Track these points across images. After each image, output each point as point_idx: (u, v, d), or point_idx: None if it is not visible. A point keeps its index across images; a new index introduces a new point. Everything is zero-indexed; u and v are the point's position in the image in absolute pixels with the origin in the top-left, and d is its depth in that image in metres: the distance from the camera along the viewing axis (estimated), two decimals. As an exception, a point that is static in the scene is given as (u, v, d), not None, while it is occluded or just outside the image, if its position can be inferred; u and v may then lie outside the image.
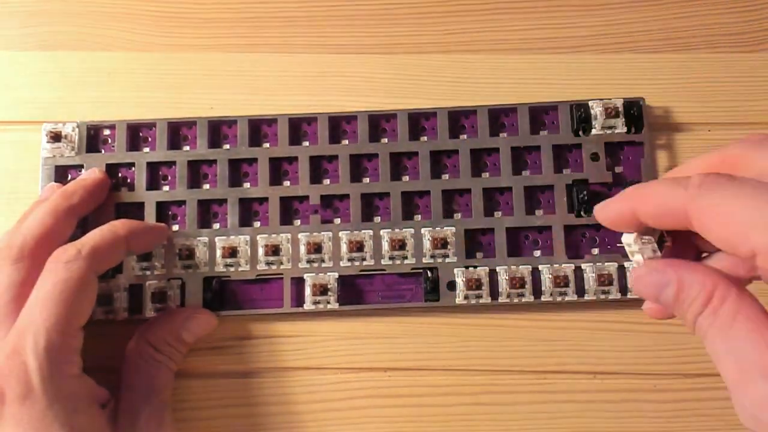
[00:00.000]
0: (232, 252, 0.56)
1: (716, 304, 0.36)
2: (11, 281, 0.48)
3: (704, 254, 0.41)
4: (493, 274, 0.56)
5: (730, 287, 0.36)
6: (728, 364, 0.35)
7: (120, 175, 0.58)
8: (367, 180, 0.58)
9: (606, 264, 0.55)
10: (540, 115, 0.59)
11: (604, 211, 0.42)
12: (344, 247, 0.56)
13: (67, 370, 0.46)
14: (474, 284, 0.55)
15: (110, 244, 0.50)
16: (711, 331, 0.36)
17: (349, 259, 0.56)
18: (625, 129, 0.57)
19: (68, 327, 0.46)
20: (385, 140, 0.58)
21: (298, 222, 0.57)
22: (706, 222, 0.36)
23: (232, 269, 0.56)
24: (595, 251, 0.56)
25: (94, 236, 0.50)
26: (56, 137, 0.57)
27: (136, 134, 0.59)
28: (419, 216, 0.57)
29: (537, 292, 0.56)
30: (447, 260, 0.56)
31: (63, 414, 0.44)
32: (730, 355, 0.35)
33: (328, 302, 0.55)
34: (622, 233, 0.41)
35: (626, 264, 0.55)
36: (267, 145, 0.58)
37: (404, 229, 0.56)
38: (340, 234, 0.56)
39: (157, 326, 0.54)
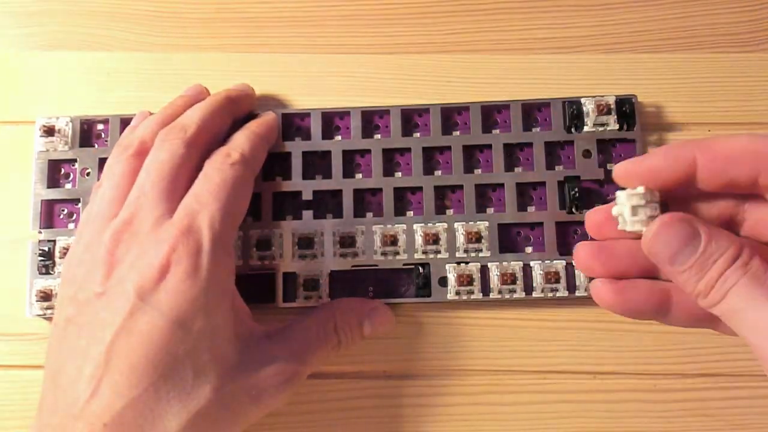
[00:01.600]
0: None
1: (746, 258, 0.37)
2: (183, 161, 0.49)
3: None
4: (484, 270, 0.55)
5: (755, 246, 0.38)
6: (763, 311, 0.35)
7: (113, 169, 0.58)
8: (359, 176, 0.58)
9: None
10: (532, 111, 0.59)
11: (646, 161, 0.43)
12: (336, 243, 0.56)
13: (228, 264, 0.48)
14: (465, 280, 0.55)
15: (261, 148, 0.54)
16: (742, 281, 0.36)
17: (340, 255, 0.56)
18: (617, 126, 0.57)
19: (233, 221, 0.49)
20: (378, 136, 0.58)
21: (290, 217, 0.57)
22: (710, 150, 0.39)
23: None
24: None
25: (249, 142, 0.53)
26: (49, 131, 0.58)
27: (130, 129, 0.59)
28: (411, 212, 0.57)
29: (528, 288, 0.55)
30: (439, 256, 0.56)
31: (212, 305, 0.45)
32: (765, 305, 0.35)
33: (320, 297, 0.55)
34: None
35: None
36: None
37: (396, 225, 0.56)
38: (333, 229, 0.56)
39: (347, 307, 0.55)
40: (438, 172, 0.58)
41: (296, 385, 0.50)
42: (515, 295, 0.55)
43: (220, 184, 0.48)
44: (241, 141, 0.53)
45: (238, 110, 0.57)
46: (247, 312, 0.51)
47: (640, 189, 0.41)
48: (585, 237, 0.55)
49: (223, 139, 0.54)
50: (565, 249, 0.56)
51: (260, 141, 0.54)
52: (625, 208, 0.41)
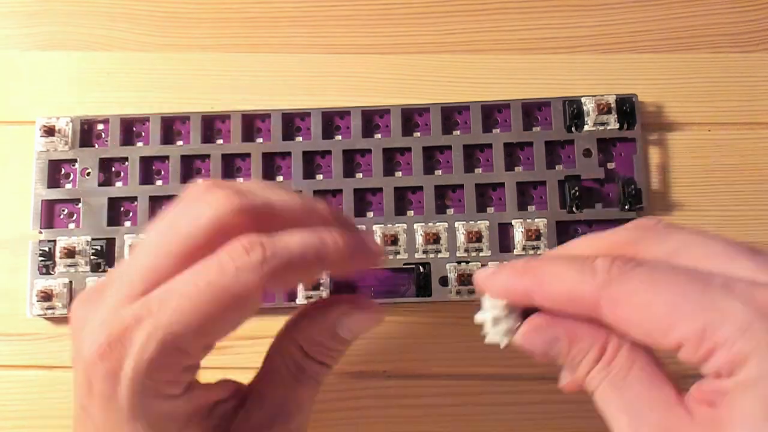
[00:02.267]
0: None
1: (609, 356, 0.34)
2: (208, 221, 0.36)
3: None
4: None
5: (622, 341, 0.34)
6: (621, 421, 0.34)
7: (113, 169, 0.59)
8: (360, 175, 0.58)
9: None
10: (533, 111, 0.59)
11: (492, 280, 0.38)
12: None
13: (168, 389, 0.37)
14: (466, 279, 0.55)
15: (312, 259, 0.37)
16: (603, 385, 0.35)
17: (341, 254, 0.55)
18: (617, 125, 0.57)
19: (195, 343, 0.36)
20: (379, 136, 0.59)
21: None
22: (622, 313, 0.33)
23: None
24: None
25: (296, 243, 0.37)
26: (50, 131, 0.58)
27: (130, 129, 0.59)
28: (412, 211, 0.57)
29: (529, 287, 0.55)
30: (439, 255, 0.56)
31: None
32: (623, 412, 0.34)
33: (321, 297, 0.55)
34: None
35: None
36: (260, 140, 0.59)
37: (397, 225, 0.56)
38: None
39: (307, 322, 0.42)
40: (438, 172, 0.58)
41: None
42: (516, 295, 0.55)
43: (203, 289, 0.34)
44: (292, 239, 0.36)
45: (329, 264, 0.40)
46: (215, 395, 0.41)
47: (501, 302, 0.38)
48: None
49: None
50: (565, 248, 0.56)
51: (319, 256, 0.37)
52: (487, 319, 0.39)
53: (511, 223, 0.56)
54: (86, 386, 0.36)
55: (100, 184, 0.58)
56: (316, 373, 0.42)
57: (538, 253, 0.56)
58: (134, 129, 0.59)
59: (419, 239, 0.56)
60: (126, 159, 0.58)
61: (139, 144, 0.59)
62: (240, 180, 0.57)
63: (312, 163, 0.58)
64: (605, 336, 0.35)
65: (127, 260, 0.39)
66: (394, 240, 0.56)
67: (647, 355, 0.34)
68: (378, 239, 0.56)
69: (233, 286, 0.34)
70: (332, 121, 0.58)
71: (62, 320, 0.57)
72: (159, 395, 0.36)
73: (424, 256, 0.56)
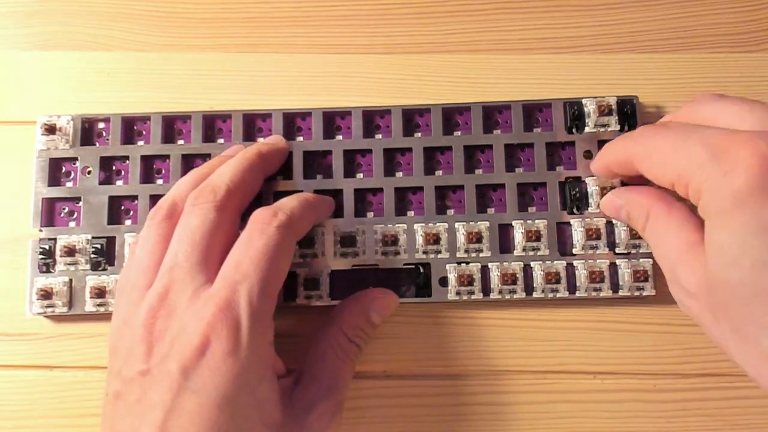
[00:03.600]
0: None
1: (656, 212, 0.48)
2: (215, 226, 0.48)
3: None
4: (485, 270, 0.56)
5: (664, 200, 0.48)
6: (669, 242, 0.46)
7: (114, 168, 0.59)
8: (360, 176, 0.58)
9: (597, 261, 0.55)
10: (534, 112, 0.59)
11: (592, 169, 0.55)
12: (336, 242, 0.56)
13: (268, 335, 0.47)
14: (466, 280, 0.55)
15: (309, 219, 0.53)
16: (652, 228, 0.48)
17: (341, 254, 0.56)
18: (618, 127, 0.57)
19: (273, 290, 0.47)
20: (379, 136, 0.58)
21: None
22: (640, 164, 0.47)
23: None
24: (590, 250, 0.56)
25: (300, 207, 0.51)
26: (50, 130, 0.57)
27: (131, 127, 0.59)
28: (412, 212, 0.57)
29: (528, 288, 0.55)
30: (439, 256, 0.56)
31: (255, 379, 0.45)
32: (669, 238, 0.46)
33: (320, 296, 0.55)
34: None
35: (617, 261, 0.55)
36: (261, 139, 0.58)
37: (397, 225, 0.56)
38: (333, 229, 0.56)
39: (348, 312, 0.54)
40: (439, 172, 0.58)
41: (342, 413, 0.51)
42: (516, 296, 0.55)
43: (262, 251, 0.46)
44: (291, 204, 0.51)
45: (270, 167, 0.56)
46: (281, 366, 0.50)
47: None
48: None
49: (255, 200, 0.54)
50: (565, 250, 0.56)
51: (311, 211, 0.53)
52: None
53: (511, 224, 0.56)
54: (197, 352, 0.43)
55: (100, 183, 0.58)
56: (354, 354, 0.53)
57: (539, 254, 0.55)
58: (135, 128, 0.59)
59: (419, 240, 0.56)
60: (127, 158, 0.58)
61: (140, 143, 0.59)
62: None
63: (313, 162, 0.58)
64: (651, 201, 0.48)
65: (168, 264, 0.48)
66: (394, 240, 0.56)
67: (683, 206, 0.47)
68: (378, 240, 0.56)
69: (276, 238, 0.47)
70: (333, 121, 0.58)
71: (62, 319, 0.57)
72: (265, 338, 0.46)
73: (424, 256, 0.56)
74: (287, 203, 0.50)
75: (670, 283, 0.47)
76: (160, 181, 0.58)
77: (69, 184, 0.58)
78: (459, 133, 0.58)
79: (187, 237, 0.48)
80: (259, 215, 0.48)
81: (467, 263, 0.55)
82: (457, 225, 0.56)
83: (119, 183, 0.58)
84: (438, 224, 0.56)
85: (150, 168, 0.59)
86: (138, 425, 0.43)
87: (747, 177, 0.38)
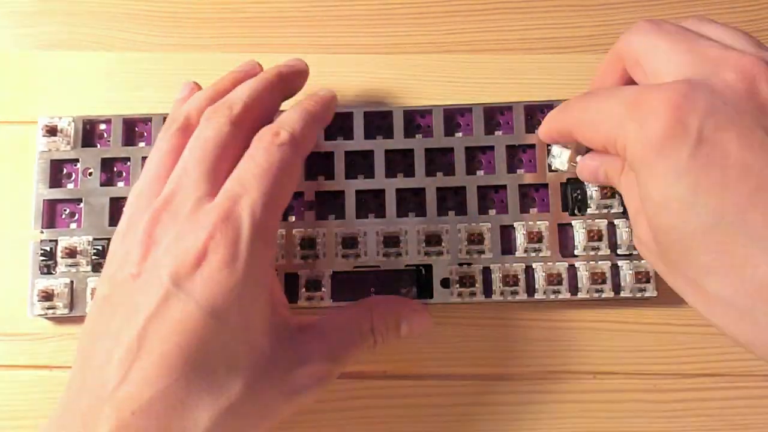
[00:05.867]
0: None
1: (625, 171, 0.49)
2: (228, 140, 0.48)
3: None
4: (486, 272, 0.56)
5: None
6: (633, 196, 0.47)
7: (115, 169, 0.58)
8: (362, 177, 0.58)
9: (599, 263, 0.55)
10: (535, 113, 0.58)
11: (540, 131, 0.56)
12: (338, 244, 0.56)
13: (269, 254, 0.47)
14: (468, 282, 0.55)
15: (313, 129, 0.52)
16: (624, 182, 0.49)
17: (342, 256, 0.56)
18: (619, 127, 0.57)
19: (277, 208, 0.47)
20: (381, 137, 0.58)
21: (292, 218, 0.57)
22: (575, 133, 0.50)
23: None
24: (591, 251, 0.56)
25: (300, 121, 0.50)
26: (52, 131, 0.57)
27: (132, 129, 0.59)
28: (413, 213, 0.57)
29: (530, 290, 0.55)
30: (441, 257, 0.56)
31: (248, 297, 0.44)
32: (634, 192, 0.46)
33: (321, 298, 0.55)
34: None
35: (619, 263, 0.56)
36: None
37: (398, 226, 0.56)
38: (335, 230, 0.56)
39: (385, 306, 0.53)
40: (440, 174, 0.57)
41: (328, 384, 0.49)
42: (517, 297, 0.55)
43: (266, 167, 0.46)
44: (292, 119, 0.50)
45: (290, 89, 0.56)
46: (284, 303, 0.51)
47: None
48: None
49: (272, 120, 0.52)
50: (567, 251, 0.56)
51: (313, 121, 0.52)
52: (553, 155, 0.56)
53: (512, 226, 0.56)
54: (193, 260, 0.43)
55: (101, 184, 0.58)
56: (368, 344, 0.52)
57: (540, 255, 0.56)
58: (136, 129, 0.59)
59: (421, 241, 0.56)
60: (128, 159, 0.58)
61: (141, 144, 0.59)
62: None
63: (314, 164, 0.58)
64: (622, 162, 0.49)
65: (177, 172, 0.48)
66: (395, 242, 0.56)
67: None
68: (380, 241, 0.56)
69: (280, 155, 0.47)
70: (335, 122, 0.58)
71: (63, 320, 0.57)
72: (265, 257, 0.46)
73: (425, 257, 0.56)
74: (289, 120, 0.50)
75: (634, 237, 0.50)
76: (161, 182, 0.58)
77: (70, 186, 0.58)
78: (460, 134, 0.58)
79: (199, 147, 0.47)
80: (262, 133, 0.48)
81: (469, 264, 0.56)
82: (458, 226, 0.56)
83: (120, 184, 0.58)
84: (439, 225, 0.56)
85: (151, 169, 0.58)
86: (119, 328, 0.43)
87: (660, 125, 0.40)
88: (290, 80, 0.55)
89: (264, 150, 0.47)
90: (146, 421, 0.41)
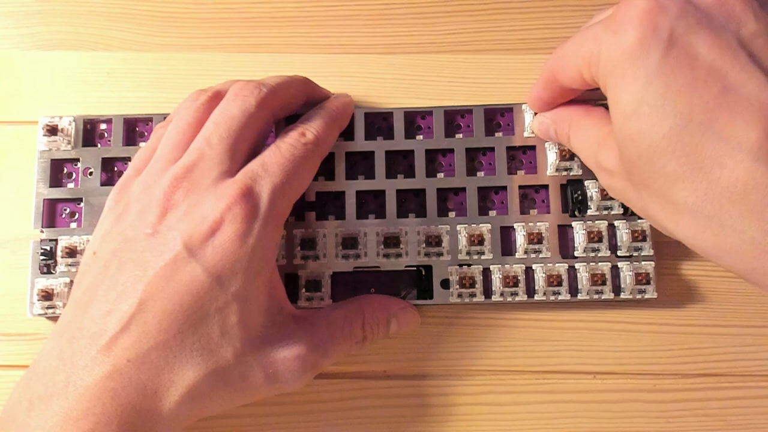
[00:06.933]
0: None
1: (577, 118, 0.53)
2: (252, 120, 0.50)
3: None
4: (486, 273, 0.56)
5: (582, 106, 0.53)
6: (590, 139, 0.51)
7: (116, 169, 0.58)
8: (362, 177, 0.58)
9: (599, 264, 0.55)
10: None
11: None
12: (338, 244, 0.56)
13: (277, 235, 0.49)
14: (468, 282, 0.55)
15: (334, 132, 0.56)
16: (574, 132, 0.52)
17: (343, 256, 0.56)
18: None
19: (292, 197, 0.50)
20: (381, 138, 0.58)
21: (293, 219, 0.57)
22: (559, 73, 0.50)
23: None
24: (591, 253, 0.56)
25: (324, 125, 0.54)
26: (52, 131, 0.57)
27: (133, 129, 0.59)
28: (414, 214, 0.57)
29: (530, 291, 0.55)
30: (441, 258, 0.56)
31: (252, 272, 0.46)
32: (589, 135, 0.51)
33: (321, 298, 0.55)
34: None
35: (619, 264, 0.56)
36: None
37: (398, 227, 0.56)
38: (335, 231, 0.56)
39: (376, 303, 0.55)
40: (440, 175, 0.58)
41: (313, 375, 0.51)
42: (517, 298, 0.55)
43: (289, 158, 0.49)
44: (317, 122, 0.53)
45: (314, 95, 0.58)
46: (282, 290, 0.51)
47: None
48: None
49: (293, 116, 0.56)
50: (567, 252, 0.56)
51: (335, 125, 0.55)
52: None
53: (512, 227, 0.56)
54: (208, 228, 0.45)
55: (102, 184, 0.57)
56: (357, 340, 0.53)
57: (540, 257, 0.56)
58: (137, 129, 0.59)
59: (421, 242, 0.56)
60: (128, 159, 0.58)
61: (142, 144, 0.58)
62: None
63: (314, 164, 0.58)
64: (570, 113, 0.53)
65: (200, 142, 0.49)
66: (396, 242, 0.56)
67: (598, 110, 0.53)
68: (380, 242, 0.56)
69: (304, 152, 0.50)
70: (334, 123, 0.58)
71: (63, 321, 0.57)
72: (273, 237, 0.48)
73: (425, 258, 0.56)
74: (315, 123, 0.53)
75: (597, 173, 0.51)
76: (161, 182, 0.58)
77: (70, 185, 0.58)
78: (461, 135, 0.58)
79: (225, 122, 0.50)
80: (289, 131, 0.51)
81: (469, 265, 0.56)
82: (458, 227, 0.56)
83: (121, 185, 0.58)
84: (440, 226, 0.56)
85: (152, 169, 0.58)
86: (125, 282, 0.45)
87: (633, 31, 0.41)
88: (314, 90, 0.58)
89: (290, 145, 0.50)
90: (139, 369, 0.44)
